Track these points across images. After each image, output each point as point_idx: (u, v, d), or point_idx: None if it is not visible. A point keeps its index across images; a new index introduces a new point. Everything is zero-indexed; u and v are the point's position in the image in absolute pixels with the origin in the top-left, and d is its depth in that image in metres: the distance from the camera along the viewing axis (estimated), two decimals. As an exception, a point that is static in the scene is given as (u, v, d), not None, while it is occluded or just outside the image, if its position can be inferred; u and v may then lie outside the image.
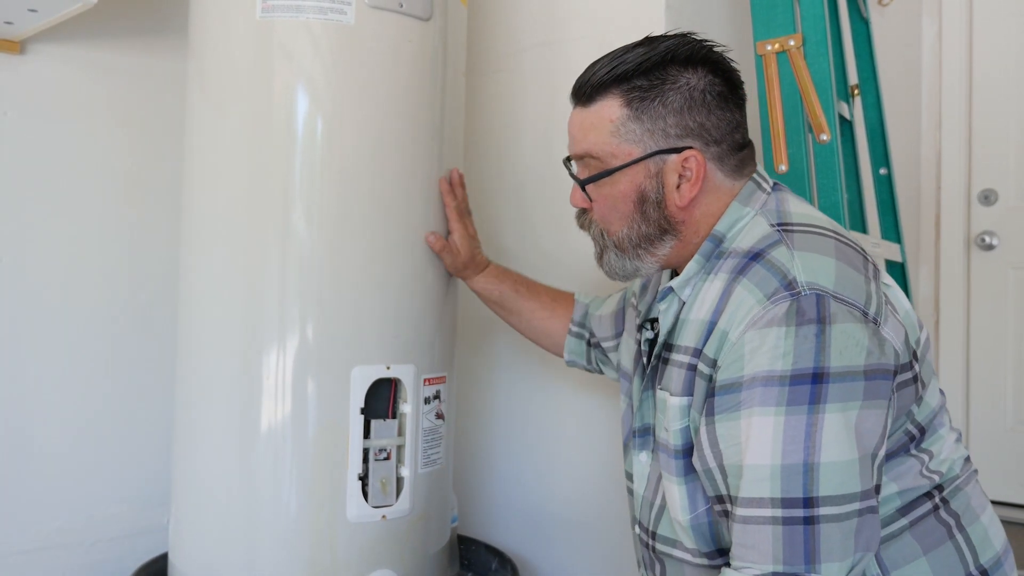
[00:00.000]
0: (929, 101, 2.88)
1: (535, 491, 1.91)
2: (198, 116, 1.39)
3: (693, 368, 1.04)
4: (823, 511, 0.91)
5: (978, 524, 1.06)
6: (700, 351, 1.02)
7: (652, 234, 1.09)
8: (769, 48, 1.71)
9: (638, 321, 1.28)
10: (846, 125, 1.97)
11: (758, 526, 0.92)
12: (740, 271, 1.01)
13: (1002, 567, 1.06)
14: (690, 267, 1.08)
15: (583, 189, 1.12)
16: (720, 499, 1.00)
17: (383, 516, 1.32)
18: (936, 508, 1.05)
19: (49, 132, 1.61)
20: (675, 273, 1.17)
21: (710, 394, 1.00)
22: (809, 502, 0.91)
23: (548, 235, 1.88)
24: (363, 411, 1.30)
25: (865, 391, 0.93)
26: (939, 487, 1.06)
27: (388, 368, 1.33)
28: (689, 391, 1.04)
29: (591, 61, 1.12)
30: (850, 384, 0.92)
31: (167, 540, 1.48)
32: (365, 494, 1.31)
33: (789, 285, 0.95)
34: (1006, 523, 1.15)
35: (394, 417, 1.35)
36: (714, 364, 1.00)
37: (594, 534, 1.80)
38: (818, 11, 1.70)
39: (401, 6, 1.32)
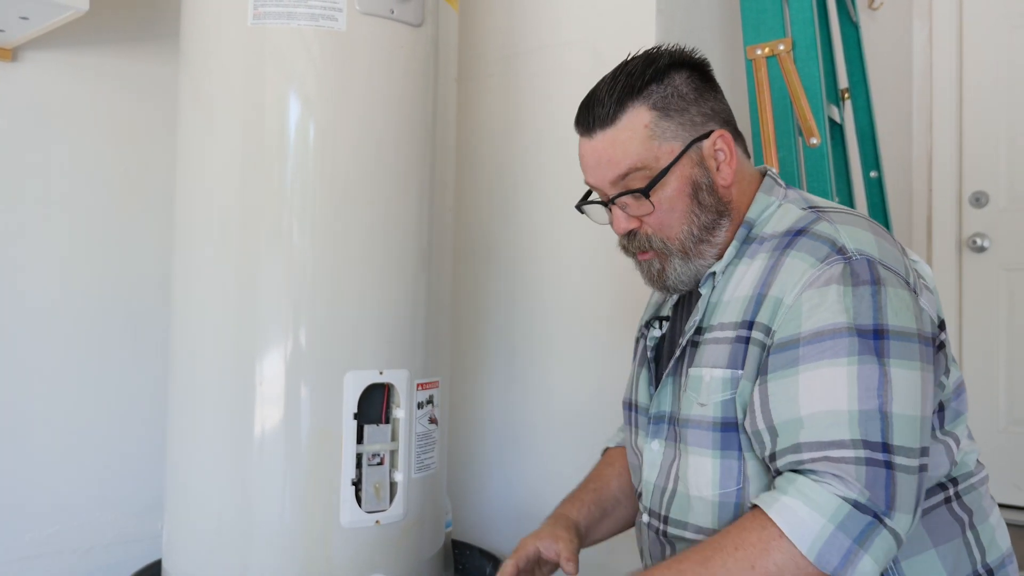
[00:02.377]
0: (920, 104, 2.90)
1: (529, 495, 1.91)
2: (190, 122, 1.39)
3: (744, 340, 1.05)
4: (898, 460, 0.93)
5: (987, 524, 1.09)
6: (751, 322, 1.04)
7: (711, 222, 1.11)
8: (759, 52, 1.72)
9: (644, 321, 1.30)
10: (836, 129, 1.98)
11: (843, 464, 0.92)
12: (787, 246, 1.05)
13: (1006, 568, 1.08)
14: (729, 252, 1.12)
15: (646, 198, 1.09)
16: (773, 456, 1.00)
17: (377, 521, 1.32)
18: (948, 500, 1.06)
19: (41, 138, 1.61)
20: None
21: (762, 356, 1.02)
22: (888, 448, 0.92)
23: (542, 238, 1.89)
24: (356, 416, 1.30)
25: (920, 353, 0.97)
26: (954, 480, 1.08)
27: (381, 373, 1.33)
28: (738, 363, 1.05)
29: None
30: (908, 344, 0.96)
31: (161, 547, 1.47)
32: (359, 499, 1.31)
33: (840, 251, 1.00)
34: (999, 524, 1.16)
35: (387, 422, 1.35)
36: (769, 331, 1.02)
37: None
38: (807, 15, 1.71)
39: (392, 12, 1.33)
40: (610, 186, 1.12)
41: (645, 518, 1.20)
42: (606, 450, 1.43)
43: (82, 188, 1.66)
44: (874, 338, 0.95)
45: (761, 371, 1.02)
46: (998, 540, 1.09)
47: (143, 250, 1.73)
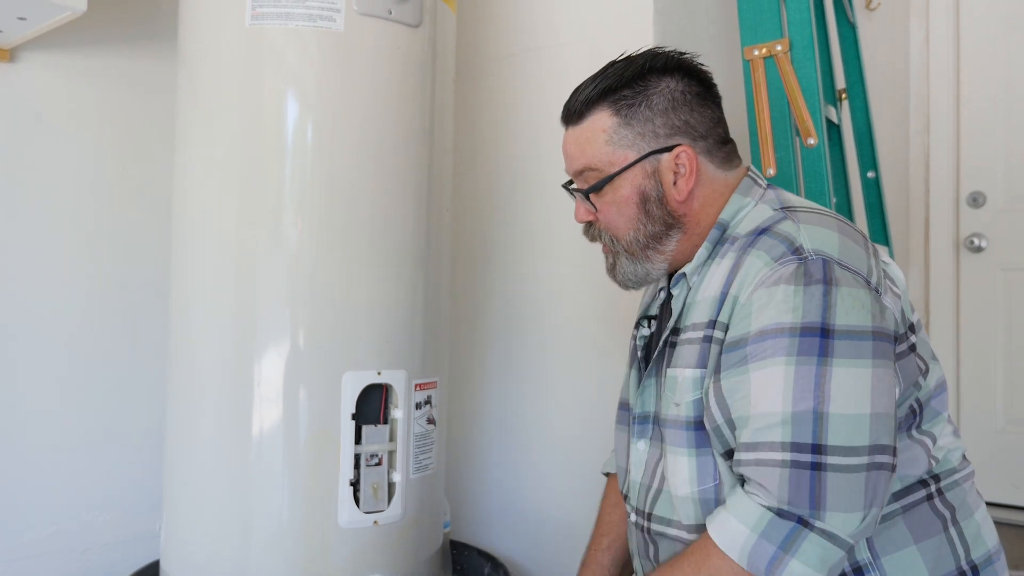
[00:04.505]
0: (917, 104, 2.90)
1: (527, 495, 1.91)
2: (188, 123, 1.39)
3: (708, 339, 1.07)
4: (830, 460, 0.94)
5: (972, 520, 1.08)
6: (715, 321, 1.07)
7: (658, 232, 1.14)
8: (756, 53, 1.72)
9: (636, 320, 1.31)
10: (834, 129, 1.98)
11: (768, 468, 0.96)
12: (749, 245, 1.06)
13: (993, 565, 1.08)
14: (700, 253, 1.13)
15: (588, 200, 1.16)
16: (730, 453, 1.04)
17: (375, 522, 1.33)
18: (931, 497, 1.07)
19: (40, 139, 1.61)
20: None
21: (720, 354, 1.04)
22: (817, 449, 0.94)
23: (540, 238, 1.89)
24: (354, 417, 1.31)
25: (874, 350, 0.97)
26: (935, 476, 1.08)
27: (379, 374, 1.33)
28: (703, 362, 1.07)
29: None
30: (858, 342, 0.96)
31: (159, 547, 1.47)
32: (357, 500, 1.31)
33: (796, 251, 1.01)
34: (996, 523, 1.16)
35: (385, 422, 1.35)
36: (726, 328, 1.05)
37: (587, 537, 1.80)
38: (805, 16, 1.72)
39: (390, 13, 1.33)
40: (573, 178, 1.20)
41: (633, 517, 1.22)
42: (608, 475, 1.44)
43: (80, 188, 1.66)
44: (820, 336, 0.96)
45: (716, 368, 1.05)
46: (984, 536, 1.09)
47: (141, 250, 1.73)
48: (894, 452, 0.98)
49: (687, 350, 1.10)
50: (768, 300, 0.99)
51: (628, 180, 1.13)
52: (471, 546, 1.70)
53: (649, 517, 1.17)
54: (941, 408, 1.11)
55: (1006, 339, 2.70)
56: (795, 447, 0.94)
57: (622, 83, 1.13)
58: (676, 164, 1.13)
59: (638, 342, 1.27)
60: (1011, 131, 2.71)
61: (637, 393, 1.22)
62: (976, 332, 2.76)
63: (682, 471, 1.09)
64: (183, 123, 1.40)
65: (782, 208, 1.10)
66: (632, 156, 1.13)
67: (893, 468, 0.98)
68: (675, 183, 1.13)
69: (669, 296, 1.22)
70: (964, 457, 1.14)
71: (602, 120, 1.14)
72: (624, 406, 1.30)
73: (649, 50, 1.17)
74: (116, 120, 1.70)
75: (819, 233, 1.03)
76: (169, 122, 1.47)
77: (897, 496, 1.05)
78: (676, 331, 1.14)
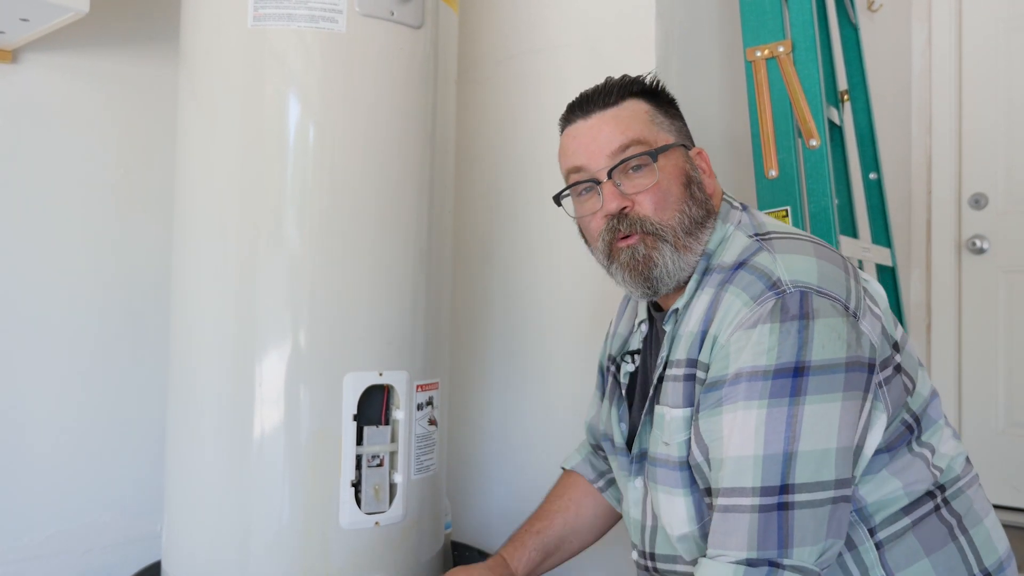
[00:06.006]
0: (919, 106, 2.90)
1: (529, 497, 1.90)
2: (190, 124, 1.39)
3: (691, 378, 1.06)
4: (798, 497, 0.95)
5: (981, 527, 1.08)
6: (695, 360, 1.06)
7: (700, 217, 1.12)
8: (759, 54, 1.72)
9: (612, 354, 1.31)
10: (836, 130, 1.98)
11: (738, 514, 0.97)
12: (727, 280, 1.05)
13: (1004, 572, 1.08)
14: (690, 287, 1.12)
15: (653, 160, 1.10)
16: (709, 491, 1.04)
17: (376, 523, 1.33)
18: (937, 508, 1.06)
19: (42, 140, 1.61)
20: (656, 305, 1.22)
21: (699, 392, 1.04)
22: (785, 489, 0.95)
23: (541, 240, 1.89)
24: (356, 418, 1.30)
25: (845, 383, 0.97)
26: (941, 487, 1.08)
27: (381, 375, 1.33)
28: (690, 401, 1.07)
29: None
30: (830, 376, 0.97)
31: (160, 548, 1.47)
32: (358, 501, 1.31)
33: (774, 285, 1.00)
34: (998, 526, 1.16)
35: (387, 423, 1.35)
36: (708, 368, 1.04)
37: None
38: (807, 17, 1.72)
39: (392, 14, 1.33)
40: (608, 159, 1.11)
41: (635, 555, 1.22)
42: (565, 471, 1.46)
43: (82, 190, 1.66)
44: (793, 376, 0.96)
45: (696, 407, 1.05)
46: (995, 542, 1.09)
47: (143, 252, 1.73)
48: (851, 483, 0.99)
49: (672, 387, 1.09)
50: (746, 342, 0.99)
51: (672, 160, 1.13)
52: (472, 547, 1.69)
53: (652, 557, 1.17)
54: (937, 415, 1.11)
55: (1007, 341, 2.70)
56: (764, 491, 0.95)
57: (641, 88, 1.16)
58: (698, 162, 1.16)
59: (622, 379, 1.25)
60: (1013, 133, 2.71)
61: (623, 431, 1.23)
62: (977, 334, 2.75)
63: (679, 511, 1.09)
64: (185, 125, 1.40)
65: (756, 236, 1.09)
66: (672, 140, 1.14)
67: (850, 499, 0.99)
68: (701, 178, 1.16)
69: (651, 329, 1.22)
70: (967, 461, 1.13)
71: (640, 105, 1.15)
72: (609, 439, 1.28)
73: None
74: (118, 121, 1.71)
75: (796, 262, 1.02)
76: (171, 124, 1.47)
77: (906, 511, 1.05)
78: (667, 365, 1.13)
